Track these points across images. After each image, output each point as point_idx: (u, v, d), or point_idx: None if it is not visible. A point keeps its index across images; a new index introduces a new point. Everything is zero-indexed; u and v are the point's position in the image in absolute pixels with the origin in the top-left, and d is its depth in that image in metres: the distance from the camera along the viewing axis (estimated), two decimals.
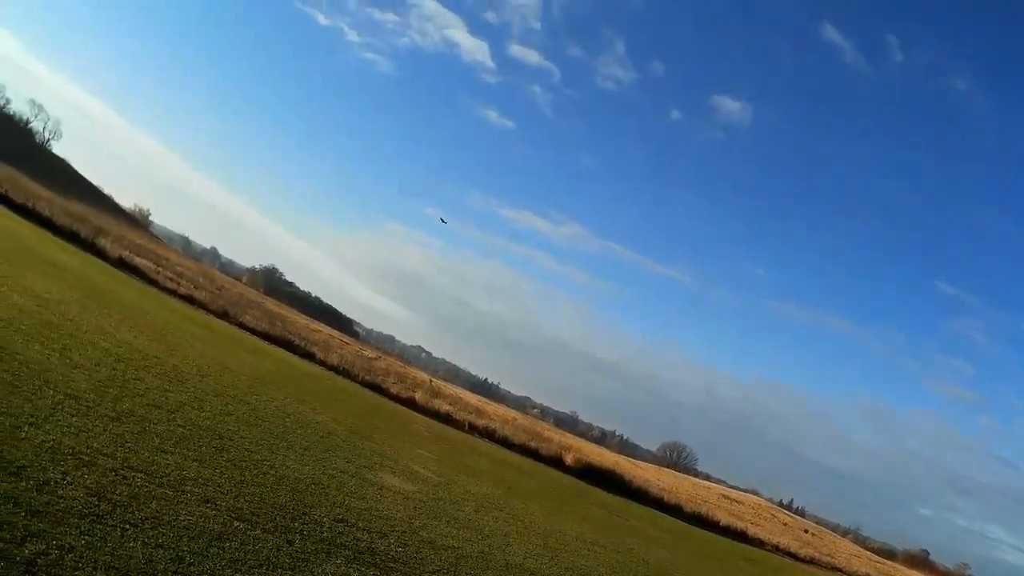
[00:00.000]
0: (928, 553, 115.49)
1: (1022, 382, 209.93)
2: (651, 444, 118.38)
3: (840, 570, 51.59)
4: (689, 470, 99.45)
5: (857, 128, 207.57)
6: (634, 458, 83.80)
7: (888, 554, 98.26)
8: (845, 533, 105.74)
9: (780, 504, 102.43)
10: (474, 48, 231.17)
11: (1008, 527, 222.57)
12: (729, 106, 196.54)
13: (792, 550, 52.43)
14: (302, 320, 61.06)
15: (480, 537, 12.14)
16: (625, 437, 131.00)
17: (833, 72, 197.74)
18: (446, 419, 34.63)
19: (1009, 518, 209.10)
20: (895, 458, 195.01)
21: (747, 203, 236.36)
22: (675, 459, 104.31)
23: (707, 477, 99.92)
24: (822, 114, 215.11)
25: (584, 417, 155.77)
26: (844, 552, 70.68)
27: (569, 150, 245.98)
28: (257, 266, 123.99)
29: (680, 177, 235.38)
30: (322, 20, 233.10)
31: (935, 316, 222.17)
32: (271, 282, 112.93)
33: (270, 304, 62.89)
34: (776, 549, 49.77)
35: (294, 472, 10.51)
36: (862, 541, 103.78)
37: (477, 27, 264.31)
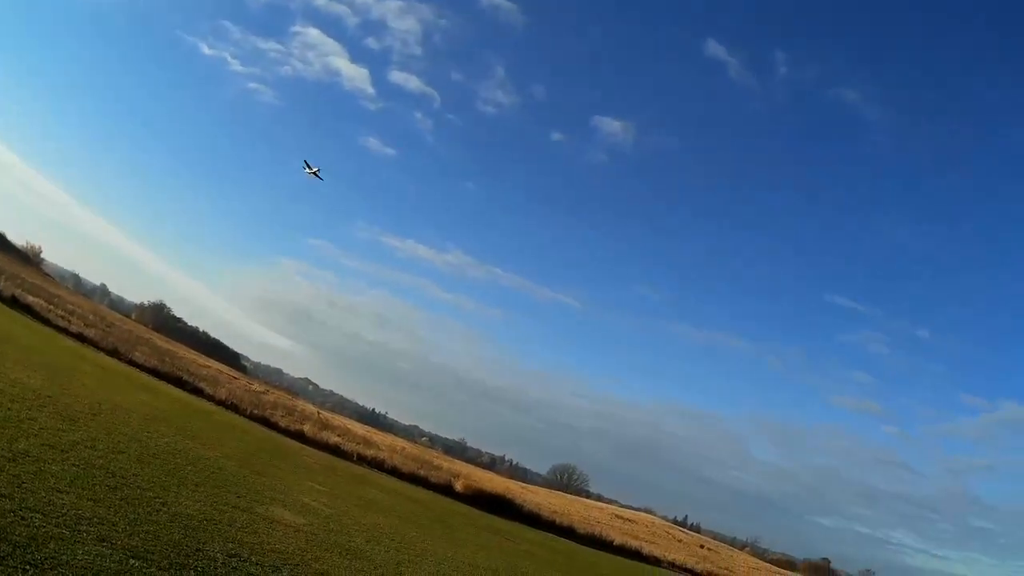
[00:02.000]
0: (830, 562, 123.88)
1: (921, 389, 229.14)
2: (542, 468, 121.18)
3: None
4: (580, 491, 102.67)
5: (745, 143, 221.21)
6: (525, 482, 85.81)
7: (788, 565, 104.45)
8: (743, 547, 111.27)
9: (675, 521, 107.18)
10: (355, 75, 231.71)
11: (912, 532, 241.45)
12: (611, 127, 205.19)
13: (689, 566, 55.58)
14: (191, 355, 61.49)
15: (372, 567, 13.01)
16: (515, 462, 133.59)
17: (718, 88, 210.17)
18: (335, 451, 36.13)
19: (913, 523, 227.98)
20: (798, 472, 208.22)
21: (633, 223, 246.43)
22: (566, 481, 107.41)
23: (599, 498, 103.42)
24: (708, 130, 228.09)
25: (473, 443, 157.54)
26: (743, 565, 75.00)
27: (450, 176, 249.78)
28: (146, 302, 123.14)
29: (564, 200, 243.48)
30: (206, 50, 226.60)
31: (831, 329, 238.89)
32: (160, 318, 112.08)
33: (159, 340, 63.33)
34: (672, 566, 52.67)
35: (187, 509, 11.08)
36: (760, 553, 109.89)
37: (358, 54, 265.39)
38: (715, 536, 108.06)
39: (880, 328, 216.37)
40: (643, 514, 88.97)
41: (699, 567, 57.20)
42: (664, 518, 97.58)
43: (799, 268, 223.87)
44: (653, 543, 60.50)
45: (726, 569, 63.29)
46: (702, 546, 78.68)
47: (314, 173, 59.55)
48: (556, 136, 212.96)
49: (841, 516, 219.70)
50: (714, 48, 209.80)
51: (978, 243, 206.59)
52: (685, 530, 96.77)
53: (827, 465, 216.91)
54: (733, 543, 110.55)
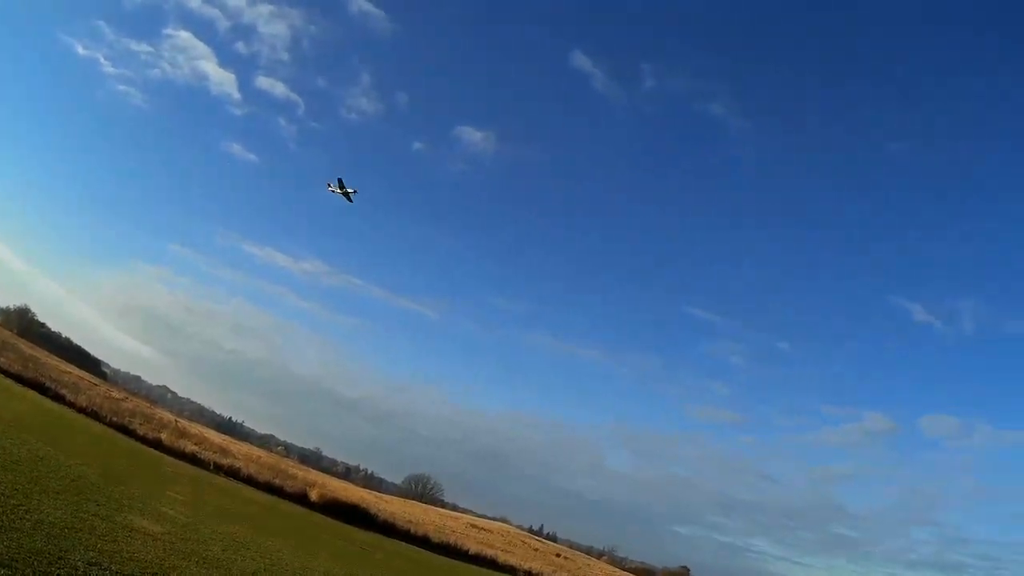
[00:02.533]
0: (688, 570, 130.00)
1: (781, 400, 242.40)
2: (397, 478, 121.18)
3: None
4: (435, 501, 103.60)
5: (608, 154, 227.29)
6: (380, 492, 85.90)
7: (647, 573, 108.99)
8: (600, 555, 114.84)
9: (530, 530, 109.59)
10: (223, 79, 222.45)
11: (773, 540, 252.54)
12: (472, 136, 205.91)
13: (546, 575, 57.49)
14: (54, 362, 59.62)
15: None
16: (370, 471, 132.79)
17: (583, 99, 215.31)
18: (192, 459, 36.36)
19: (773, 531, 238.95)
20: (656, 481, 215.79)
21: (492, 234, 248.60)
22: (420, 491, 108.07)
23: (454, 507, 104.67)
24: (571, 141, 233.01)
25: (328, 453, 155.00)
26: (599, 574, 77.95)
27: (311, 184, 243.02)
28: (11, 307, 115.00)
29: (424, 209, 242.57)
30: (80, 51, 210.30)
31: (689, 340, 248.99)
32: (24, 323, 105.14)
33: (24, 346, 60.88)
34: (529, 574, 54.41)
35: (49, 516, 11.46)
36: (618, 562, 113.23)
37: (227, 58, 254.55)
38: (571, 545, 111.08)
39: (739, 339, 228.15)
40: (498, 523, 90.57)
41: None
42: (519, 527, 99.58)
43: (658, 280, 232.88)
44: (509, 552, 62.15)
45: None
46: (558, 555, 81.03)
47: (345, 193, 57.50)
48: (418, 145, 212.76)
49: (700, 525, 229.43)
50: (580, 59, 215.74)
51: (841, 253, 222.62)
52: (541, 539, 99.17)
53: (686, 474, 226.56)
54: (590, 552, 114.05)
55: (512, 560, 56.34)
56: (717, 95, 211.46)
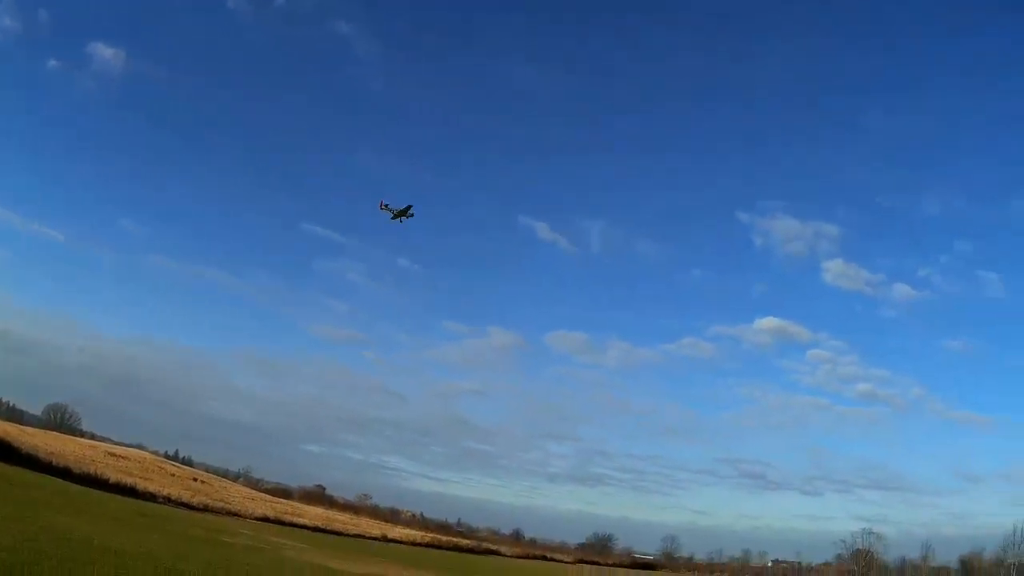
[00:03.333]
0: (324, 488, 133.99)
1: (404, 317, 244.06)
2: (37, 408, 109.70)
3: (237, 514, 58.94)
4: (75, 431, 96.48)
5: (237, 71, 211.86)
6: (21, 424, 78.10)
7: (284, 493, 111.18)
8: (236, 477, 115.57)
9: (166, 456, 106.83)
10: None
11: (405, 456, 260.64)
12: (105, 52, 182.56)
13: (184, 500, 57.74)
14: None
15: None
16: (12, 404, 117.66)
17: (214, 16, 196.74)
18: None
19: (405, 447, 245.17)
20: (286, 402, 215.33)
21: (121, 154, 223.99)
22: (60, 421, 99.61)
23: (92, 436, 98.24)
24: (205, 61, 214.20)
25: None
26: (238, 496, 78.88)
27: None
28: None
29: (57, 130, 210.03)
30: None
31: (308, 258, 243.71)
32: None
33: None
34: (168, 500, 54.46)
35: None
36: (254, 483, 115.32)
37: None
38: (207, 469, 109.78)
39: (360, 257, 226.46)
40: (135, 450, 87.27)
41: (195, 500, 59.41)
42: (156, 453, 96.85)
43: (278, 198, 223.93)
44: (148, 479, 61.16)
45: (221, 501, 66.64)
46: (195, 479, 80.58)
47: (402, 212, 50.82)
48: (53, 64, 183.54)
49: (332, 443, 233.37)
50: None
51: (463, 173, 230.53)
52: (177, 464, 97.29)
53: (314, 394, 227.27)
54: (226, 475, 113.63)
55: (151, 487, 55.63)
56: (347, 13, 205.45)
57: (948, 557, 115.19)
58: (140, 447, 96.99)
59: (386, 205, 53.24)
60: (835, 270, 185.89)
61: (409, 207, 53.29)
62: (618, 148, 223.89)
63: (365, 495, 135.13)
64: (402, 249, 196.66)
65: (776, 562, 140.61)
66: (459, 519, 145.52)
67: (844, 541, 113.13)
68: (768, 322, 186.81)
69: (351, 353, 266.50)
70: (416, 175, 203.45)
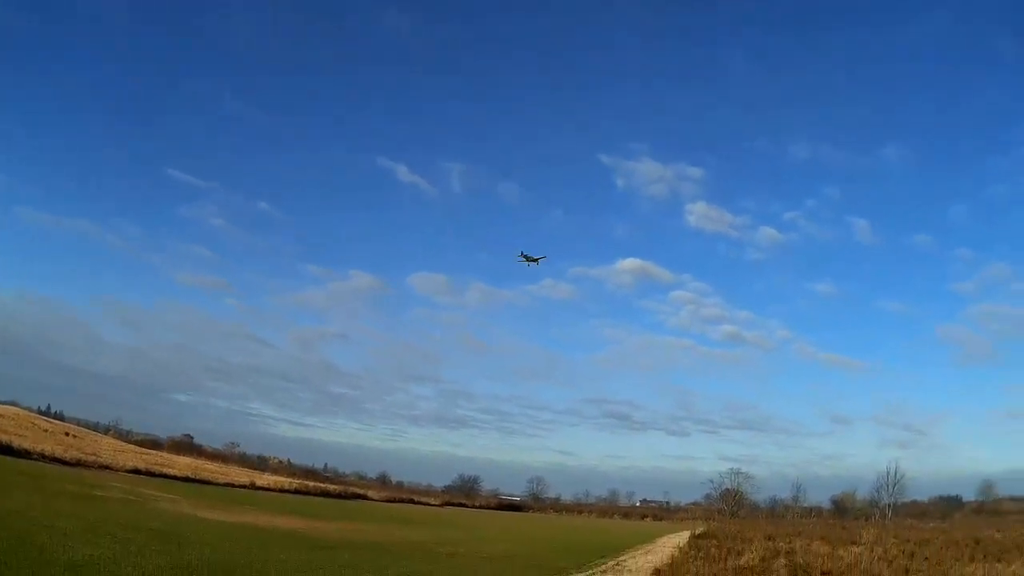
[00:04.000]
0: (192, 437, 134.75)
1: (265, 262, 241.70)
2: None
3: (109, 467, 61.66)
4: None
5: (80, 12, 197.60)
6: None
7: (153, 444, 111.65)
8: (106, 430, 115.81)
9: (39, 411, 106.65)
10: None
11: (271, 402, 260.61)
12: None
13: (58, 455, 59.93)
14: None
15: None
16: None
17: None
18: None
19: (271, 393, 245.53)
20: (151, 351, 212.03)
21: None
22: None
23: None
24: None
25: None
26: (108, 449, 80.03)
27: None
28: None
29: None
30: None
31: (170, 204, 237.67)
32: None
33: None
34: (43, 457, 56.67)
35: None
36: (124, 436, 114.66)
37: None
38: (79, 423, 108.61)
39: (219, 202, 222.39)
40: (7, 407, 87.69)
41: (68, 455, 61.11)
42: (29, 409, 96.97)
43: (137, 141, 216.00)
44: (22, 436, 62.33)
45: (93, 455, 68.56)
46: (67, 433, 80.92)
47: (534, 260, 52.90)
48: None
49: (198, 392, 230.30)
50: None
51: (325, 113, 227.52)
52: (50, 419, 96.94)
53: (178, 342, 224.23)
54: (97, 428, 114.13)
55: (26, 444, 57.05)
56: None
57: (820, 498, 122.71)
58: (13, 403, 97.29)
59: (524, 255, 59.62)
60: (699, 212, 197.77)
61: (544, 257, 61.52)
62: (479, 91, 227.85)
63: (233, 443, 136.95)
64: (262, 194, 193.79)
65: (644, 502, 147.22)
66: (326, 464, 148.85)
67: (712, 481, 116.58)
68: (630, 263, 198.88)
69: (215, 300, 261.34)
70: (275, 118, 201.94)
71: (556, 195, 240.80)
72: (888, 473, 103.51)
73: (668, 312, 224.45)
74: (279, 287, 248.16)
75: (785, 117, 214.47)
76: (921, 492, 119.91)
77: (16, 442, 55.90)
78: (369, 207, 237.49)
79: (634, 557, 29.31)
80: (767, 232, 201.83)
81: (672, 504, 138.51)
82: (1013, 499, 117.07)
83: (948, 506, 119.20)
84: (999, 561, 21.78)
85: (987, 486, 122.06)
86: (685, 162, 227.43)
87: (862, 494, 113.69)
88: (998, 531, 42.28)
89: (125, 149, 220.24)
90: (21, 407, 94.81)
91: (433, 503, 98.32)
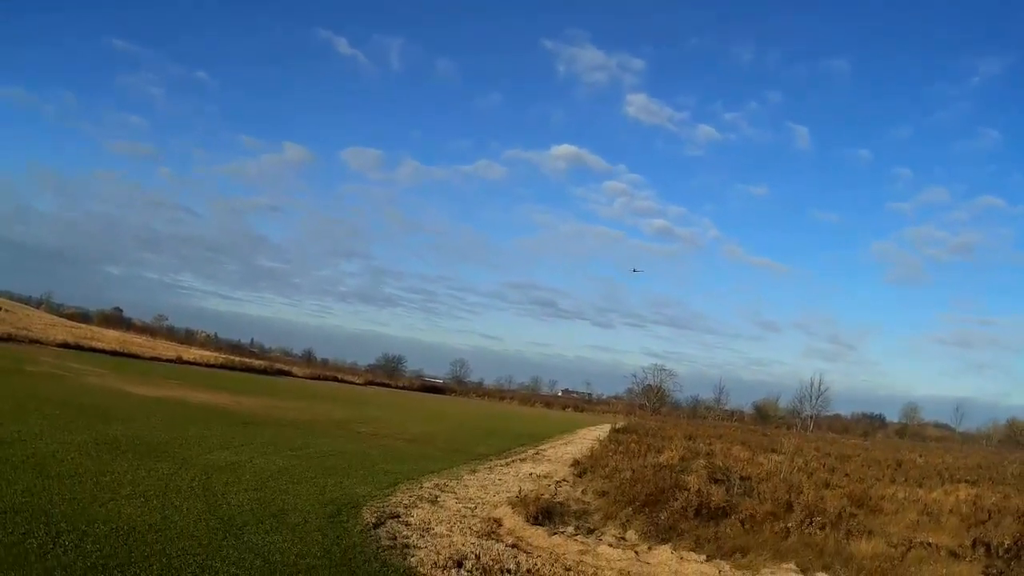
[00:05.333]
0: (121, 310, 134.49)
1: (199, 132, 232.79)
2: None
3: (39, 341, 61.73)
4: None
5: None
6: None
7: (83, 318, 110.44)
8: (38, 304, 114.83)
9: None
10: None
11: (200, 275, 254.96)
12: None
13: None
14: None
15: None
16: None
17: None
18: None
19: (199, 266, 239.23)
20: (81, 221, 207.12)
21: None
22: None
23: None
24: None
25: None
26: (39, 323, 79.57)
27: None
28: None
29: None
30: None
31: (108, 73, 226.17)
32: None
33: None
34: None
35: None
36: (56, 309, 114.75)
37: None
38: (10, 296, 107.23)
39: (156, 70, 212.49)
40: None
41: (0, 331, 61.73)
42: None
43: (76, 9, 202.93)
44: None
45: (24, 329, 68.27)
46: (0, 308, 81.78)
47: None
48: None
49: (128, 263, 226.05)
50: None
51: None
52: None
53: (109, 212, 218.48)
54: (28, 302, 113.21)
55: None
56: None
57: (742, 402, 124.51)
58: None
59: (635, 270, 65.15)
60: (638, 104, 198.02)
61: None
62: None
63: (162, 316, 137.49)
64: (199, 61, 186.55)
65: (567, 392, 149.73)
66: (252, 339, 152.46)
67: (636, 376, 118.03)
68: (565, 149, 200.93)
69: (146, 170, 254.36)
70: None
71: (495, 76, 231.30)
72: (812, 384, 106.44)
73: (601, 202, 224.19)
74: (212, 158, 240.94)
75: (734, 17, 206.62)
76: (844, 407, 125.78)
77: None
78: (307, 79, 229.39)
79: (554, 447, 30.75)
80: (706, 130, 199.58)
81: (594, 396, 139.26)
82: (936, 425, 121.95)
83: (870, 424, 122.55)
84: (920, 487, 22.13)
85: (911, 409, 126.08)
86: (628, 52, 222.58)
87: (785, 402, 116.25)
88: (920, 455, 43.65)
89: (64, 15, 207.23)
90: None
91: (357, 382, 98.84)
